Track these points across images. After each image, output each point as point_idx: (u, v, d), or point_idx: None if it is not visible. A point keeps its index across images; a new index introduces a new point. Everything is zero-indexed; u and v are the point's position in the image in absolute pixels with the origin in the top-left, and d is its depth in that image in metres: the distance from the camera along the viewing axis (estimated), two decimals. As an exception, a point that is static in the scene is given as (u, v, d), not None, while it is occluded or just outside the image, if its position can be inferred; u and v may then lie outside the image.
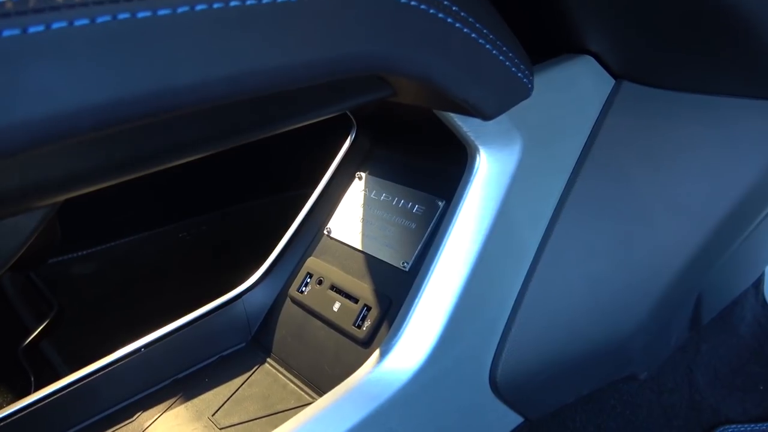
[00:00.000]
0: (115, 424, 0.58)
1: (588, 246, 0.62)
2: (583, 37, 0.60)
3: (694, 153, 0.66)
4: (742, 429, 0.82)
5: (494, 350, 0.59)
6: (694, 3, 0.52)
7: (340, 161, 0.68)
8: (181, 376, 0.62)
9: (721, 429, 0.81)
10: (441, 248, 0.54)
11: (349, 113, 0.67)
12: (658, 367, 0.81)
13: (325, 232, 0.66)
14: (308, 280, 0.64)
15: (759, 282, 1.02)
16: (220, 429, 0.55)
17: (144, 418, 0.58)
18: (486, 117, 0.46)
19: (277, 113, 0.42)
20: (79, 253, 1.07)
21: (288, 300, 0.65)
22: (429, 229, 0.58)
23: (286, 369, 0.62)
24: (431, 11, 0.37)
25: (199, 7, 0.27)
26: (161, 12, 0.26)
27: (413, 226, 0.59)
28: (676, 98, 0.66)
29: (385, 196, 0.63)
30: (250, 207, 1.33)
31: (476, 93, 0.43)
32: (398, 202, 0.62)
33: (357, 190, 0.66)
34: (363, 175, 0.66)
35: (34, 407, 0.55)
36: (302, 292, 0.64)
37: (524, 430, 0.66)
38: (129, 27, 0.26)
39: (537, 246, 0.60)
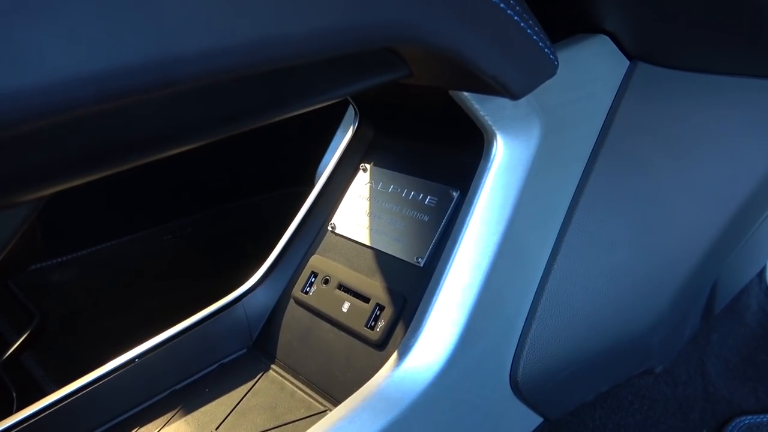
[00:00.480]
0: (109, 442, 0.54)
1: (607, 235, 0.59)
2: (600, 14, 0.57)
3: (714, 136, 0.64)
4: (757, 420, 0.80)
5: (514, 348, 0.56)
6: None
7: (343, 152, 0.64)
8: (179, 387, 0.58)
9: (737, 421, 0.79)
10: (458, 242, 0.51)
11: (351, 101, 0.63)
12: (672, 359, 0.79)
13: (329, 228, 0.62)
14: (313, 279, 0.60)
15: (762, 270, 1.00)
16: (225, 443, 0.51)
17: (140, 434, 0.54)
18: (514, 96, 0.42)
19: (290, 94, 0.38)
20: (60, 259, 1.02)
21: (291, 301, 0.61)
22: (443, 222, 0.54)
23: (293, 376, 0.58)
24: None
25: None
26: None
27: (426, 218, 0.56)
28: (693, 79, 0.64)
29: (393, 188, 0.59)
30: (239, 207, 1.28)
31: (506, 69, 0.39)
32: (408, 193, 0.58)
33: (362, 183, 0.62)
34: (368, 166, 0.62)
35: (19, 428, 0.50)
36: (307, 292, 0.60)
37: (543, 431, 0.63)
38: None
39: (556, 236, 0.57)
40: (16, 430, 0.50)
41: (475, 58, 0.36)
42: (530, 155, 0.53)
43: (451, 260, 0.50)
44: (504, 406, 0.57)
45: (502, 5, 0.38)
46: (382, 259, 0.57)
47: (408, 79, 0.47)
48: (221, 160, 1.21)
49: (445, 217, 0.54)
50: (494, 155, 0.52)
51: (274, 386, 0.57)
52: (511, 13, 0.38)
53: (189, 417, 0.54)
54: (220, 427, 0.52)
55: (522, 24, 0.40)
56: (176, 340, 0.57)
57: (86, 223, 1.05)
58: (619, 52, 0.60)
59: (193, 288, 1.10)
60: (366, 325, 0.54)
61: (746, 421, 0.79)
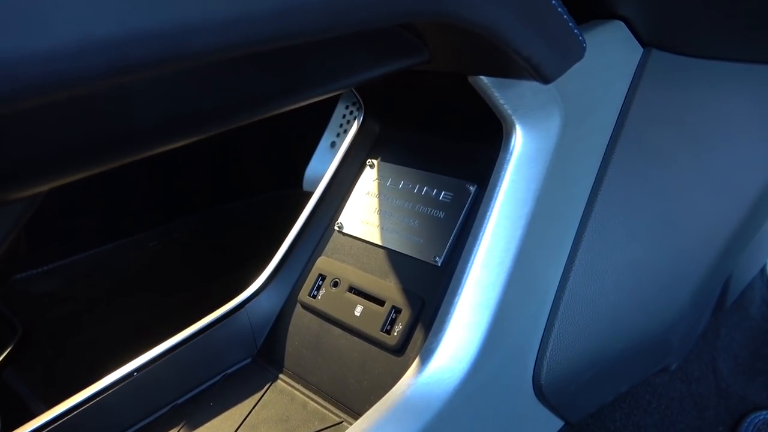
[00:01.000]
0: (107, 464, 0.50)
1: (627, 228, 0.57)
2: (617, -2, 0.55)
3: (730, 125, 0.62)
4: (772, 415, 0.78)
5: (537, 349, 0.53)
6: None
7: (348, 148, 0.61)
8: (181, 401, 0.54)
9: (752, 417, 0.78)
10: (479, 239, 0.48)
11: (356, 93, 0.59)
12: (685, 355, 0.77)
13: (336, 227, 0.59)
14: (321, 282, 0.57)
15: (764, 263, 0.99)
16: (234, 461, 0.47)
17: (140, 453, 0.50)
18: (546, 79, 0.39)
19: (306, 80, 0.35)
20: (42, 269, 0.96)
21: (298, 306, 0.57)
22: (461, 218, 0.51)
23: (304, 385, 0.54)
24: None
25: None
26: None
27: (441, 215, 0.53)
28: (708, 67, 0.62)
29: (404, 184, 0.56)
30: (225, 211, 1.24)
31: (541, 50, 0.36)
32: (420, 189, 0.55)
33: (369, 180, 0.59)
34: (375, 162, 0.59)
35: (8, 452, 0.46)
36: (315, 296, 0.56)
37: (564, 435, 0.60)
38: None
39: (576, 230, 0.55)
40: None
41: (511, 37, 0.34)
42: (551, 146, 0.50)
43: (472, 258, 0.47)
44: (526, 411, 0.54)
45: (536, -19, 0.35)
46: (396, 259, 0.54)
47: (426, 66, 0.44)
48: (204, 162, 1.17)
49: (463, 213, 0.52)
50: (513, 147, 0.49)
51: (283, 397, 0.53)
52: (545, -11, 0.36)
53: (193, 434, 0.50)
54: (229, 444, 0.48)
55: (553, 1, 0.37)
56: (176, 351, 0.54)
57: (69, 231, 1.00)
58: (634, 38, 0.58)
59: (186, 295, 1.06)
60: (382, 330, 0.50)
61: (762, 417, 0.78)
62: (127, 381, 0.51)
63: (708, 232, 0.61)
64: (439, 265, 0.51)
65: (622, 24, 0.56)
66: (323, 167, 1.29)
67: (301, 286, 0.58)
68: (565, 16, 0.39)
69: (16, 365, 0.83)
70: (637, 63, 0.59)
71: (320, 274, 0.57)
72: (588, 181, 0.56)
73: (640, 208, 0.58)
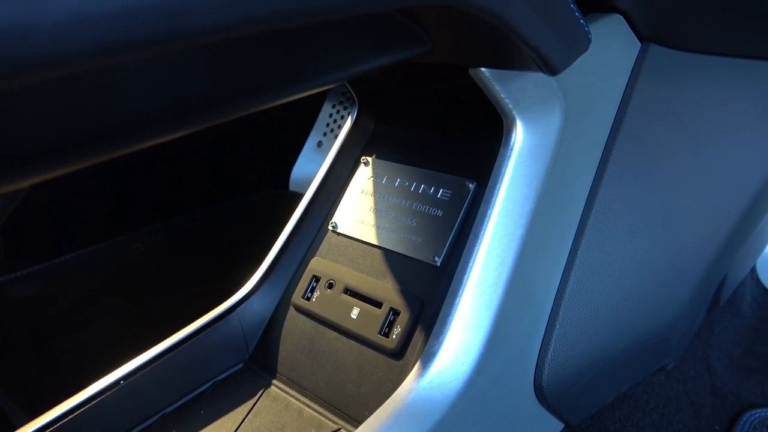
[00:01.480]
0: (93, 477, 0.47)
1: (627, 224, 0.56)
2: (616, -10, 0.53)
3: (728, 121, 0.61)
4: (767, 413, 0.78)
5: (538, 351, 0.52)
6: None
7: (341, 145, 0.59)
8: (170, 410, 0.52)
9: (748, 415, 0.77)
10: (480, 238, 0.46)
11: (350, 87, 0.58)
12: (681, 354, 0.76)
13: (330, 227, 0.57)
14: (315, 284, 0.55)
15: (753, 261, 0.99)
16: (228, 472, 0.45)
17: (128, 465, 0.48)
18: (553, 70, 0.38)
19: (302, 70, 0.33)
20: (20, 272, 0.93)
21: (291, 309, 0.56)
22: (460, 217, 0.50)
23: (298, 391, 0.52)
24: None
25: None
26: None
27: (440, 213, 0.51)
28: (706, 62, 0.61)
29: (400, 182, 0.54)
30: (210, 212, 1.21)
31: (549, 39, 0.35)
32: (417, 187, 0.53)
33: (364, 177, 0.57)
34: (369, 159, 0.57)
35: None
36: (309, 298, 0.54)
37: (564, 438, 0.59)
38: None
39: (576, 228, 0.53)
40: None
41: (519, 25, 0.32)
42: (552, 141, 0.49)
43: (472, 258, 0.46)
44: (527, 414, 0.53)
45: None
46: (393, 259, 0.52)
47: (427, 57, 0.42)
48: (191, 160, 1.14)
49: (462, 211, 0.50)
50: (514, 142, 0.47)
51: (277, 404, 0.51)
52: (553, -24, 0.34)
53: (184, 444, 0.48)
54: (221, 454, 0.46)
55: (561, -10, 0.36)
56: (165, 357, 0.51)
57: (48, 233, 0.97)
58: (632, 33, 0.57)
59: (174, 299, 1.03)
60: (380, 332, 0.49)
61: (757, 415, 0.77)
62: (113, 389, 0.48)
63: (708, 229, 0.60)
64: (439, 265, 0.49)
65: (621, 18, 0.55)
66: (310, 167, 1.27)
67: (295, 288, 0.56)
68: (572, 6, 0.38)
69: (-7, 374, 0.80)
70: (635, 58, 0.58)
71: (314, 276, 0.55)
72: (588, 177, 0.54)
73: (640, 204, 0.57)
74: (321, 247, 0.57)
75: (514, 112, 0.46)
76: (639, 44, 0.58)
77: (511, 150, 0.47)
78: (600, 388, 0.58)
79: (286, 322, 0.55)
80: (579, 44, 0.39)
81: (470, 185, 0.51)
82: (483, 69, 0.43)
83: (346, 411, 0.49)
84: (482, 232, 0.46)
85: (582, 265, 0.53)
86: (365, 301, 0.51)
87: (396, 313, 0.49)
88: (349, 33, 0.36)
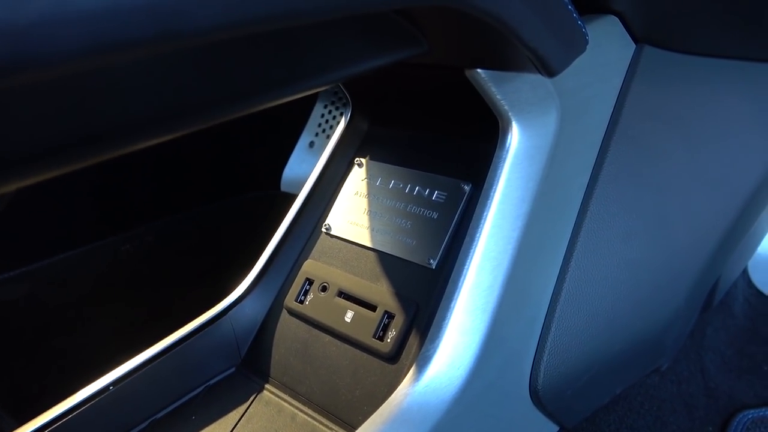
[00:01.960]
0: (81, 485, 0.46)
1: (622, 226, 0.56)
2: (612, -8, 0.53)
3: (722, 123, 0.61)
4: (760, 414, 0.78)
5: (534, 354, 0.51)
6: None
7: (335, 147, 0.59)
8: (160, 415, 0.51)
9: (741, 416, 0.77)
10: (476, 240, 0.46)
11: (343, 88, 0.57)
12: (675, 355, 0.76)
13: (323, 229, 0.56)
14: (308, 287, 0.54)
15: (745, 261, 1.00)
16: (220, 478, 0.44)
17: (117, 472, 0.47)
18: (551, 72, 0.38)
19: (296, 71, 0.33)
20: (6, 275, 0.91)
21: (284, 312, 0.55)
22: (456, 219, 0.49)
23: (291, 396, 0.51)
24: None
25: None
26: None
27: (435, 215, 0.51)
28: (700, 64, 0.61)
29: (394, 184, 0.54)
30: (199, 214, 1.19)
31: (547, 41, 0.34)
32: (412, 189, 0.53)
33: (357, 179, 0.57)
34: (363, 160, 0.57)
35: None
36: (302, 301, 0.54)
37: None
38: None
39: (571, 230, 0.53)
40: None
41: (518, 26, 0.32)
42: (548, 143, 0.49)
43: (468, 260, 0.45)
44: (523, 418, 0.53)
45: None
46: (388, 262, 0.51)
47: (423, 57, 0.41)
48: (182, 161, 1.13)
49: (457, 213, 0.50)
50: (510, 143, 0.47)
51: (270, 409, 0.50)
52: (551, -23, 0.34)
53: (175, 450, 0.47)
54: (213, 461, 0.45)
55: (559, -10, 0.35)
56: (155, 362, 0.50)
57: (35, 234, 0.95)
58: (627, 34, 0.57)
59: (165, 302, 1.02)
60: (374, 336, 0.48)
61: (750, 416, 0.77)
62: (102, 395, 0.47)
63: (703, 230, 0.60)
64: (434, 267, 0.49)
65: (616, 19, 0.55)
66: (301, 168, 1.26)
67: (287, 291, 0.55)
68: (570, 7, 0.37)
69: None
70: (629, 60, 0.57)
71: (307, 278, 0.54)
72: (584, 179, 0.54)
73: (636, 205, 0.57)
74: (314, 250, 0.56)
75: (510, 114, 0.46)
76: (634, 45, 0.57)
77: (507, 152, 0.47)
78: (595, 390, 0.58)
79: (278, 325, 0.55)
80: (577, 46, 0.39)
81: (465, 187, 0.50)
82: (479, 70, 0.42)
83: (340, 416, 0.48)
84: (478, 235, 0.46)
85: (577, 267, 0.53)
86: (359, 305, 0.50)
87: (390, 316, 0.48)
88: (344, 33, 0.35)
